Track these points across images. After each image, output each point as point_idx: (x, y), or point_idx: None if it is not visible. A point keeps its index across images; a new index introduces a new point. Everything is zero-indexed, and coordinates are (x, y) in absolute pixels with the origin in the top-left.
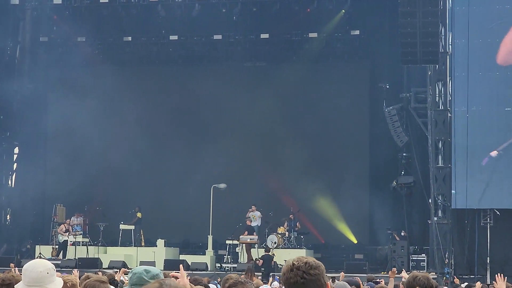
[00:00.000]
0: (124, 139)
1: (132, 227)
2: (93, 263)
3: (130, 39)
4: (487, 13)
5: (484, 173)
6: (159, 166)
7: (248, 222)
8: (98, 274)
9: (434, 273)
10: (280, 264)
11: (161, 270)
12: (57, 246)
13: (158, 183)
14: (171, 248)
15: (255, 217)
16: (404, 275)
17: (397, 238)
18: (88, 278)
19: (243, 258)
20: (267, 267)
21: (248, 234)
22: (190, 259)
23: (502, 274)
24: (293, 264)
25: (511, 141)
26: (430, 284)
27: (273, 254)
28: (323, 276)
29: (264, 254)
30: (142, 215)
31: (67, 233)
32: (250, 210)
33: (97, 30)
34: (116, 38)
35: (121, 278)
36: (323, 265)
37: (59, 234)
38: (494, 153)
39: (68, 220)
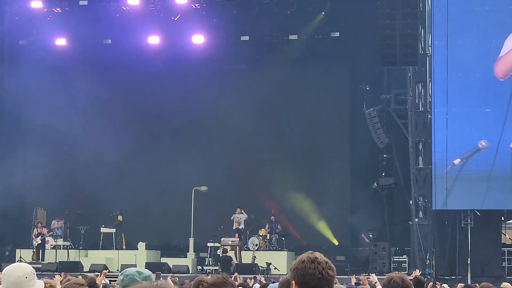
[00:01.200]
0: (105, 142)
1: (113, 230)
2: (74, 267)
3: (110, 42)
4: (467, 15)
5: (464, 174)
6: (140, 169)
7: (236, 225)
8: (78, 277)
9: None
10: (262, 266)
11: None
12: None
13: (139, 186)
14: (152, 251)
15: (240, 219)
16: (374, 278)
17: (366, 240)
18: (68, 281)
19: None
20: (225, 268)
21: (238, 236)
22: (171, 261)
23: None
24: (316, 257)
25: (475, 149)
26: (405, 285)
27: (230, 257)
28: (334, 282)
29: (222, 255)
30: (123, 218)
31: (39, 237)
32: (235, 212)
33: (76, 33)
34: (96, 41)
35: (103, 281)
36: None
37: (32, 239)
38: (457, 161)
39: (40, 224)
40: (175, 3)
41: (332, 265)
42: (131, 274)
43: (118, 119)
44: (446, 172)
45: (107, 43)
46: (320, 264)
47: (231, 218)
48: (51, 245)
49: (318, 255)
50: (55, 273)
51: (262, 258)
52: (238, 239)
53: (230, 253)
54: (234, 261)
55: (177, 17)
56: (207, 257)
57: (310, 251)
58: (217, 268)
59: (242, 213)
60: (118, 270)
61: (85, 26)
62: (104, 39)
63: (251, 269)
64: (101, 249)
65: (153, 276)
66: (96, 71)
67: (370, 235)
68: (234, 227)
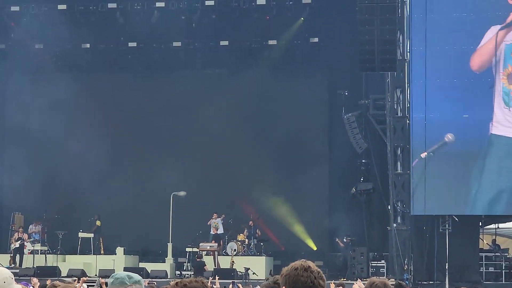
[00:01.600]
0: (83, 147)
1: (91, 235)
2: (52, 272)
3: (89, 46)
4: (445, 21)
5: (443, 180)
6: (119, 174)
7: (214, 230)
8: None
9: (393, 280)
10: (240, 271)
11: None
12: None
13: (118, 190)
14: (131, 256)
15: (217, 224)
16: (360, 284)
17: (341, 245)
18: (55, 286)
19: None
20: (198, 273)
21: (216, 241)
22: (149, 266)
23: None
24: (309, 266)
25: (441, 142)
26: None
27: (204, 262)
28: None
29: (196, 260)
30: (102, 223)
31: (19, 242)
32: (212, 218)
33: (55, 37)
34: (74, 45)
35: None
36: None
37: (11, 243)
38: (423, 155)
39: (21, 228)
40: (155, 6)
41: (323, 275)
42: (121, 278)
43: (97, 123)
44: (412, 167)
45: (85, 47)
46: (312, 273)
47: (208, 223)
48: (29, 250)
49: (311, 264)
50: (32, 278)
51: (241, 263)
52: (216, 244)
53: (209, 258)
54: (207, 266)
55: (156, 20)
56: (185, 262)
57: (303, 260)
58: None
59: (219, 218)
60: (96, 275)
61: (64, 30)
62: (83, 43)
63: (230, 274)
64: (79, 254)
65: (143, 281)
66: (75, 75)
67: (345, 239)
68: (212, 232)
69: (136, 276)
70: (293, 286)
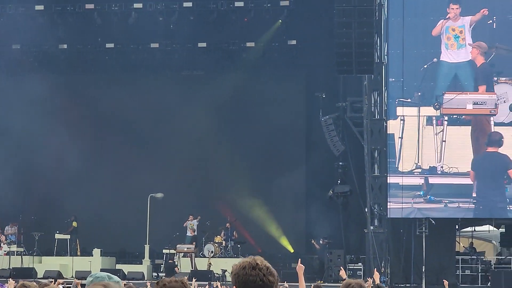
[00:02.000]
0: (59, 148)
1: (68, 236)
2: (28, 273)
3: (66, 47)
4: (422, 24)
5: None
6: (96, 175)
7: (191, 232)
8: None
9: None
10: (217, 273)
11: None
12: None
13: (95, 192)
14: (108, 257)
15: (193, 225)
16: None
17: (317, 246)
18: (25, 287)
19: (180, 267)
20: (169, 275)
21: (193, 243)
22: (126, 268)
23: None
24: (257, 263)
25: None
26: None
27: (175, 264)
28: (276, 286)
29: (167, 262)
30: (78, 224)
31: None
32: (188, 219)
33: (32, 38)
34: (51, 45)
35: None
36: (278, 277)
37: None
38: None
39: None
40: (132, 8)
41: (273, 270)
42: (101, 277)
43: (74, 124)
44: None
45: (63, 47)
46: (261, 270)
47: (184, 225)
48: (5, 251)
49: (259, 260)
50: (8, 279)
51: (218, 265)
52: (193, 245)
53: (186, 260)
54: (182, 268)
55: (134, 21)
56: (162, 264)
57: (252, 256)
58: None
59: (195, 220)
60: (72, 277)
61: (41, 30)
62: (60, 43)
63: (207, 276)
64: (55, 256)
65: (122, 283)
66: (52, 76)
67: (321, 241)
68: (189, 234)
69: (116, 277)
70: (243, 286)
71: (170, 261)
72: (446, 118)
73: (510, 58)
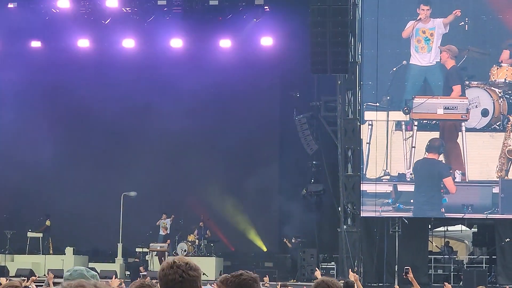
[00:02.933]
0: (32, 145)
1: (40, 234)
2: (0, 271)
3: (40, 45)
4: (396, 24)
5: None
6: (69, 173)
7: (164, 230)
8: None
9: (343, 281)
10: None
11: None
12: None
13: (68, 190)
14: (80, 256)
15: (166, 225)
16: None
17: (289, 245)
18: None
19: (153, 266)
20: (133, 274)
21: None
22: (99, 267)
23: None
24: (174, 262)
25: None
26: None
27: (139, 263)
28: (200, 279)
29: (133, 261)
30: (51, 222)
31: None
32: (161, 218)
33: (4, 35)
34: (25, 43)
35: (29, 286)
36: (201, 270)
37: None
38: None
39: None
40: (106, 7)
41: (194, 265)
42: (80, 270)
43: (47, 122)
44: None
45: (36, 46)
46: (179, 267)
47: (157, 223)
48: None
49: (177, 258)
50: None
51: None
52: (167, 244)
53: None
54: (143, 268)
55: (108, 21)
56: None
57: (173, 257)
58: (145, 273)
59: (168, 218)
60: (45, 275)
61: (14, 28)
62: (33, 41)
63: None
64: (27, 254)
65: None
66: (26, 74)
67: (293, 240)
68: (162, 233)
69: (93, 272)
70: (166, 286)
71: (135, 260)
72: (415, 123)
73: (482, 61)
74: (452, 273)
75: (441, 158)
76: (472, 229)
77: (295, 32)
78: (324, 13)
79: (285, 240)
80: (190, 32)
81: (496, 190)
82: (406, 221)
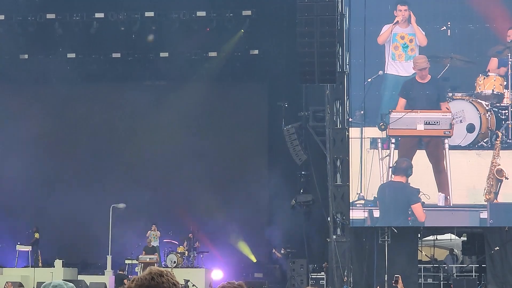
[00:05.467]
0: (21, 158)
1: (29, 247)
2: None
3: (27, 57)
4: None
5: (381, 192)
6: (58, 186)
7: (149, 245)
8: None
9: None
10: (180, 284)
11: None
12: None
13: (57, 203)
14: (70, 268)
15: (156, 237)
16: None
17: (278, 255)
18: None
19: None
20: (118, 286)
21: (146, 254)
22: (88, 279)
23: None
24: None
25: None
26: None
27: (123, 275)
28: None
29: (117, 273)
30: (40, 235)
31: None
32: (151, 229)
33: None
34: (12, 55)
35: None
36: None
37: None
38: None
39: None
40: (94, 17)
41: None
42: (59, 285)
43: (36, 134)
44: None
45: (23, 58)
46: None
47: (147, 235)
48: None
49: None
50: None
51: (181, 275)
52: (156, 256)
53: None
54: (127, 281)
55: (95, 31)
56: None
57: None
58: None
59: (157, 231)
60: None
61: (1, 40)
62: (20, 54)
63: None
64: (16, 267)
65: None
66: (13, 86)
67: (282, 251)
68: (155, 245)
69: (71, 284)
70: None
71: (119, 272)
72: (393, 140)
73: (467, 71)
74: (442, 282)
75: (410, 181)
76: (462, 237)
77: (282, 42)
78: (312, 23)
79: (274, 251)
80: (177, 43)
81: (484, 215)
82: (396, 230)
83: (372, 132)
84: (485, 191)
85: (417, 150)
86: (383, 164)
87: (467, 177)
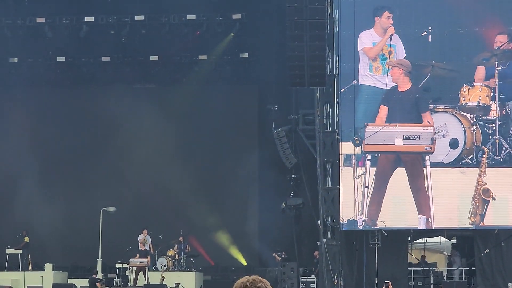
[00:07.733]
0: (10, 161)
1: (19, 251)
2: None
3: (16, 60)
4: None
5: (371, 195)
6: (48, 189)
7: (141, 247)
8: None
9: None
10: (170, 287)
11: None
12: None
13: (46, 206)
14: (60, 272)
15: (146, 241)
16: None
17: (278, 259)
18: None
19: (132, 281)
20: None
21: (140, 257)
22: (79, 283)
23: None
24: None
25: None
26: None
27: (96, 279)
28: None
29: (91, 276)
30: (30, 239)
31: None
32: (142, 233)
33: None
34: (1, 59)
35: None
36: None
37: None
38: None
39: None
40: (84, 21)
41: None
42: None
43: (26, 138)
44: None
45: (13, 61)
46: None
47: (138, 239)
48: None
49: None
50: None
51: (171, 279)
52: (146, 259)
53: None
54: (99, 284)
55: (85, 34)
56: (115, 278)
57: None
58: None
59: (147, 235)
60: None
61: None
62: (10, 57)
63: None
64: (6, 271)
65: None
66: (2, 89)
67: (282, 255)
68: (140, 248)
69: None
70: None
71: (93, 276)
72: (369, 157)
73: (450, 80)
74: (432, 285)
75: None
76: (452, 240)
77: (272, 46)
78: (301, 26)
79: (274, 254)
80: (167, 46)
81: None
82: (386, 234)
83: (346, 147)
84: (470, 213)
85: (397, 168)
86: (358, 183)
87: (450, 197)
